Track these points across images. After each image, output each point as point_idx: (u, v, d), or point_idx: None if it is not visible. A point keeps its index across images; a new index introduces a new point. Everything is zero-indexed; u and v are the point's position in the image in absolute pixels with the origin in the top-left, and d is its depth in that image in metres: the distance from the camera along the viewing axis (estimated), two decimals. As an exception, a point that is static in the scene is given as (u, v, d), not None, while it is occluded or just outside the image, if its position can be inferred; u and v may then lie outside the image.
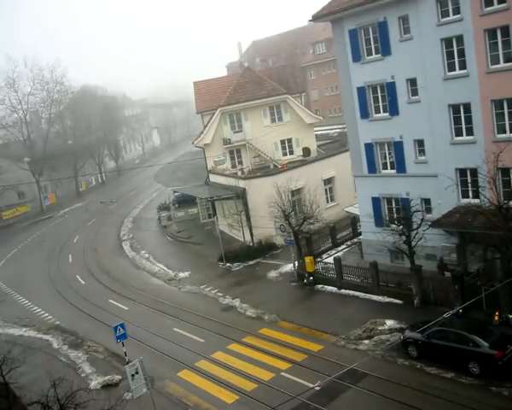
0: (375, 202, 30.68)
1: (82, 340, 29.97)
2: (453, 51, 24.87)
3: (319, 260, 33.29)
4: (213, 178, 46.90)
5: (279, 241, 37.67)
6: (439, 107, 25.87)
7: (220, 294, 33.22)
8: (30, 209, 77.54)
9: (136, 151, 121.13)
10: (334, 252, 35.03)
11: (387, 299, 27.22)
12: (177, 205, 58.17)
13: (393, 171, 29.54)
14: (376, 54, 28.36)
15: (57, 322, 33.73)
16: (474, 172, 24.84)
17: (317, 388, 20.13)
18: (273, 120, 45.52)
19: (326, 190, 42.86)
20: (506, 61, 23.21)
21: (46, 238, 60.27)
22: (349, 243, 36.60)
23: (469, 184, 25.76)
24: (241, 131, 45.48)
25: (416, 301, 25.62)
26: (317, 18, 30.58)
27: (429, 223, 26.07)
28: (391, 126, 28.63)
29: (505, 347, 19.33)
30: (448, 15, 24.64)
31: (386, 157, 29.84)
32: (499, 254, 22.73)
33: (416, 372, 20.63)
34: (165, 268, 41.20)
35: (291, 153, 46.04)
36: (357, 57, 29.20)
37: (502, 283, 21.39)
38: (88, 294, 38.20)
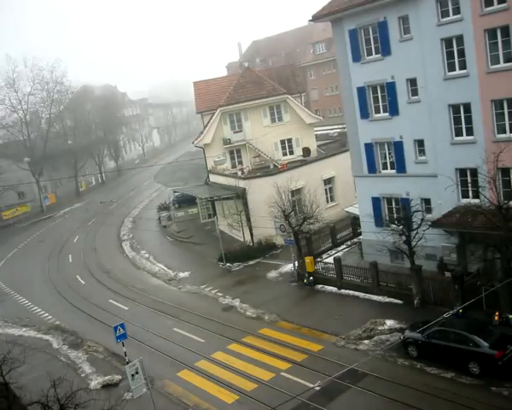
0: (375, 201, 30.68)
1: (82, 340, 29.96)
2: (453, 51, 24.87)
3: (319, 260, 33.30)
4: (213, 178, 46.91)
5: (279, 241, 37.67)
6: (439, 107, 25.86)
7: (220, 294, 33.22)
8: (30, 209, 77.54)
9: (136, 151, 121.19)
10: (334, 252, 35.04)
11: (387, 299, 27.22)
12: (177, 205, 58.17)
13: (393, 171, 29.54)
14: (376, 54, 28.36)
15: (57, 322, 33.72)
16: (474, 172, 24.84)
17: (317, 388, 20.14)
18: (273, 120, 45.51)
19: (326, 190, 42.87)
20: (506, 61, 23.21)
21: (46, 238, 60.23)
22: (349, 243, 36.61)
23: (469, 184, 25.76)
24: (241, 131, 45.48)
25: (415, 301, 25.62)
26: (317, 18, 30.58)
27: (429, 223, 26.07)
28: (391, 126, 28.63)
29: (505, 347, 19.34)
30: (448, 15, 24.64)
31: (386, 157, 29.85)
32: (499, 254, 22.73)
33: (416, 372, 20.63)
34: (165, 268, 41.20)
35: (291, 153, 46.04)
36: (357, 57, 29.21)
37: (502, 283, 21.38)
38: (88, 294, 38.20)
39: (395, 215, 29.44)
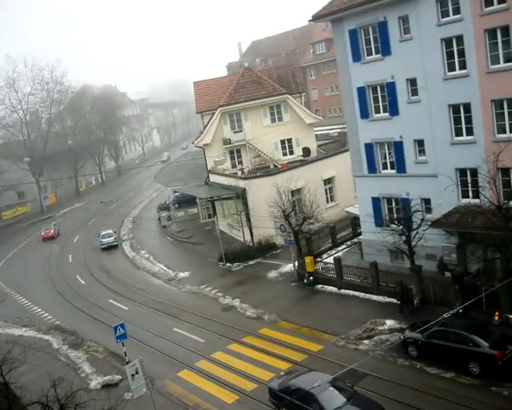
0: (375, 201, 30.68)
1: (82, 340, 29.95)
2: (453, 51, 24.86)
3: (319, 260, 33.31)
4: (213, 178, 46.91)
5: (279, 241, 37.68)
6: (439, 107, 25.87)
7: (220, 294, 33.22)
8: (30, 209, 77.59)
9: (137, 151, 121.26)
10: (334, 252, 35.03)
11: (387, 299, 27.22)
12: (177, 205, 58.22)
13: (393, 171, 29.53)
14: (376, 54, 28.35)
15: (57, 322, 33.73)
16: (474, 172, 24.83)
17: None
18: (273, 120, 45.51)
19: (326, 190, 42.86)
20: (506, 61, 23.20)
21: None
22: (349, 243, 36.61)
23: (469, 184, 25.76)
24: (241, 131, 45.48)
25: (415, 301, 25.62)
26: (317, 18, 30.58)
27: (429, 223, 26.07)
28: (391, 126, 28.63)
29: (505, 347, 19.32)
30: (448, 15, 24.64)
31: (386, 157, 29.84)
32: (499, 254, 22.74)
33: (416, 372, 20.63)
34: (165, 268, 41.21)
35: (291, 153, 46.02)
36: (357, 57, 29.20)
37: (502, 283, 21.38)
38: (88, 294, 38.22)
39: (395, 215, 29.44)
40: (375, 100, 29.27)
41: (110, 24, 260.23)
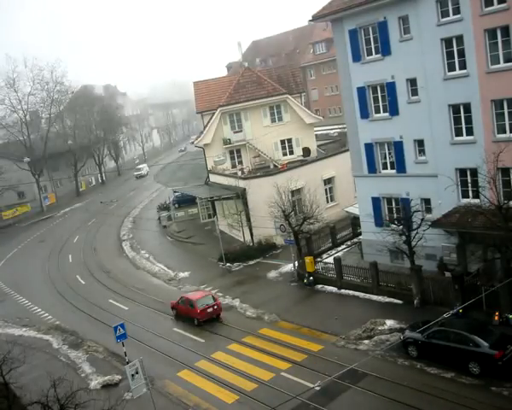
0: (375, 201, 30.68)
1: (82, 340, 29.94)
2: (453, 51, 24.87)
3: (319, 260, 33.30)
4: (213, 178, 46.91)
5: (279, 241, 37.68)
6: (439, 107, 25.87)
7: (220, 294, 33.19)
8: (30, 209, 77.51)
9: (137, 151, 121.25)
10: (334, 252, 35.04)
11: (387, 299, 27.22)
12: (177, 205, 58.21)
13: (393, 171, 29.54)
14: (376, 54, 28.36)
15: (57, 322, 33.71)
16: (474, 172, 24.83)
17: (317, 388, 20.12)
18: (273, 120, 45.52)
19: (326, 190, 42.86)
20: (506, 61, 23.20)
21: (46, 238, 60.19)
22: (349, 243, 36.61)
23: (469, 184, 25.77)
24: (241, 131, 45.48)
25: (415, 301, 25.62)
26: (317, 18, 30.58)
27: (429, 223, 26.07)
28: (391, 126, 28.63)
29: (505, 347, 19.33)
30: (448, 15, 24.64)
31: (386, 157, 29.84)
32: (499, 254, 22.74)
33: (416, 372, 20.63)
34: (165, 268, 41.20)
35: (291, 153, 46.04)
36: (357, 57, 29.20)
37: (502, 283, 21.38)
38: (88, 294, 38.20)
39: (395, 215, 29.44)
40: (375, 100, 29.27)
41: (111, 24, 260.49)
